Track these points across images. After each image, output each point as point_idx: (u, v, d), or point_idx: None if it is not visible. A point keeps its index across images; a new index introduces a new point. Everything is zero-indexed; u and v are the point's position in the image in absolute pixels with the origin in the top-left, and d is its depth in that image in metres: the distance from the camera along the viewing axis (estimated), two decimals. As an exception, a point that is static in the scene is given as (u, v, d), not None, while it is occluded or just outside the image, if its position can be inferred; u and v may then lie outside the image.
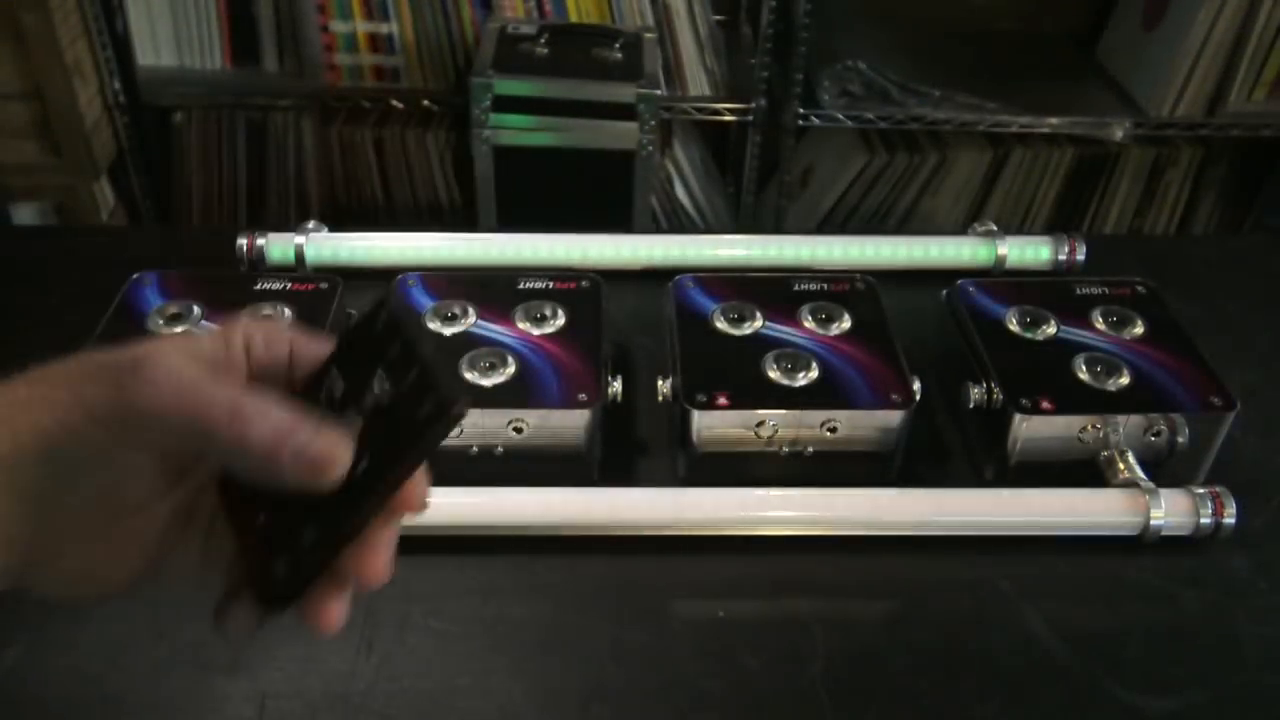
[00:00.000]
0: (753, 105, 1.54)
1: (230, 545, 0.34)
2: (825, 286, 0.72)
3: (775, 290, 0.72)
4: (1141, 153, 1.66)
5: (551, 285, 0.71)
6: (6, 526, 0.31)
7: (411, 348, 0.32)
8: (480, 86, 1.32)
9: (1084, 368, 0.65)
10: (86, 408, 0.30)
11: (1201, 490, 0.61)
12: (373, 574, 0.36)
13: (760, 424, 0.62)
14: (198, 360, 0.32)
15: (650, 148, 1.37)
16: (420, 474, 0.33)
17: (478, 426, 0.62)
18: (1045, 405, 0.62)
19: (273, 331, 0.34)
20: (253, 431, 0.30)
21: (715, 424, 0.63)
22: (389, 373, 0.32)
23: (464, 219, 1.61)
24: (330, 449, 0.31)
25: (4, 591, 0.32)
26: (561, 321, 0.68)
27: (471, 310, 0.68)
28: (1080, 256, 0.83)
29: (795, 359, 0.65)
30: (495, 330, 0.67)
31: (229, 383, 0.32)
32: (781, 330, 0.68)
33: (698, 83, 1.58)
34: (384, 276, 0.72)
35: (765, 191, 1.73)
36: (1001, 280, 0.76)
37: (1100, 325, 0.69)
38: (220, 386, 0.31)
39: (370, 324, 0.34)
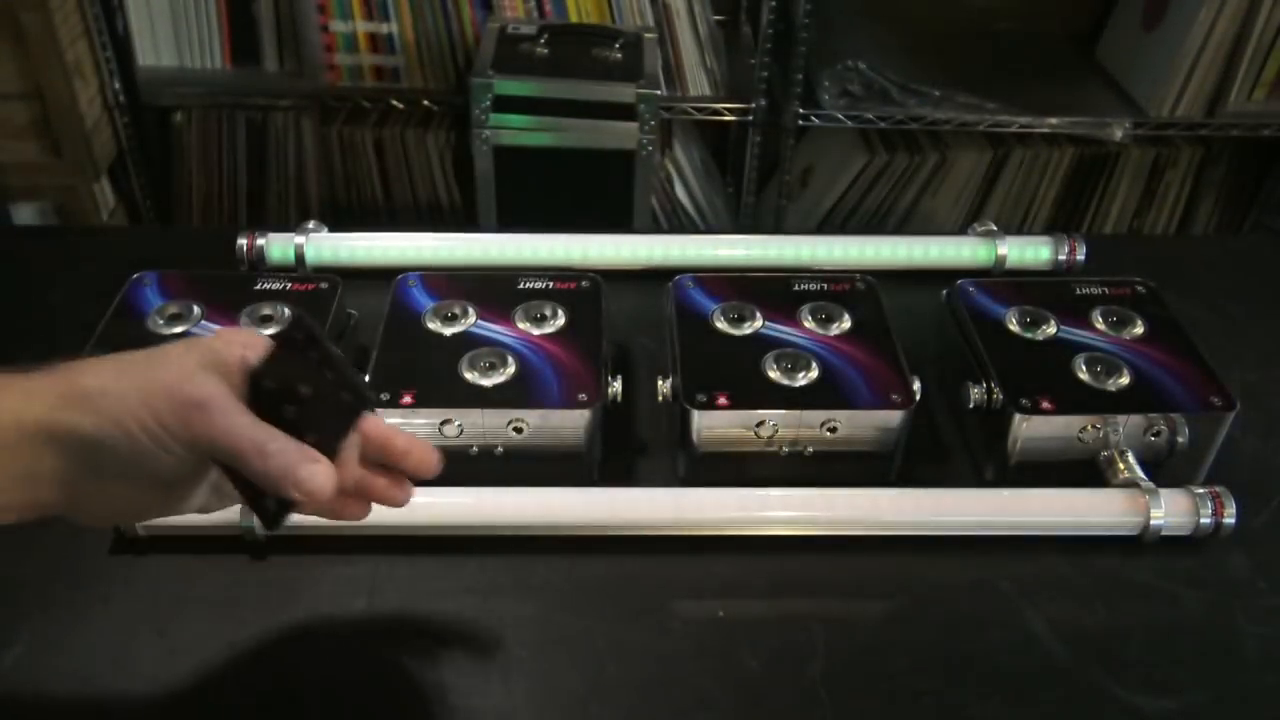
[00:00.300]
0: (753, 105, 1.54)
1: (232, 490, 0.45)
2: (825, 286, 0.72)
3: (775, 290, 0.72)
4: (1141, 153, 1.66)
5: (551, 285, 0.71)
6: (67, 486, 0.41)
7: (328, 354, 0.43)
8: (480, 86, 1.32)
9: (1084, 368, 0.65)
10: (159, 424, 0.40)
11: (1201, 490, 0.62)
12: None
13: (760, 424, 0.62)
14: (237, 400, 0.42)
15: (650, 148, 1.37)
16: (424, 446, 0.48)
17: (478, 426, 0.62)
18: (1045, 405, 0.62)
19: (257, 344, 0.44)
20: (271, 465, 0.41)
21: (715, 424, 0.63)
22: (314, 371, 0.43)
23: (464, 219, 1.61)
24: (323, 482, 0.42)
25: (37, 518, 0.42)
26: (561, 321, 0.68)
27: (471, 310, 0.68)
28: (1080, 256, 0.83)
29: (795, 359, 0.65)
30: (495, 330, 0.67)
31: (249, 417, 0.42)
32: (781, 330, 0.68)
33: (698, 83, 1.58)
34: (384, 276, 0.72)
35: (765, 191, 1.73)
36: (1001, 280, 0.76)
37: (1100, 325, 0.69)
38: (251, 428, 0.41)
39: (290, 336, 0.44)
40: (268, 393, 0.43)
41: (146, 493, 0.43)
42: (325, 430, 0.43)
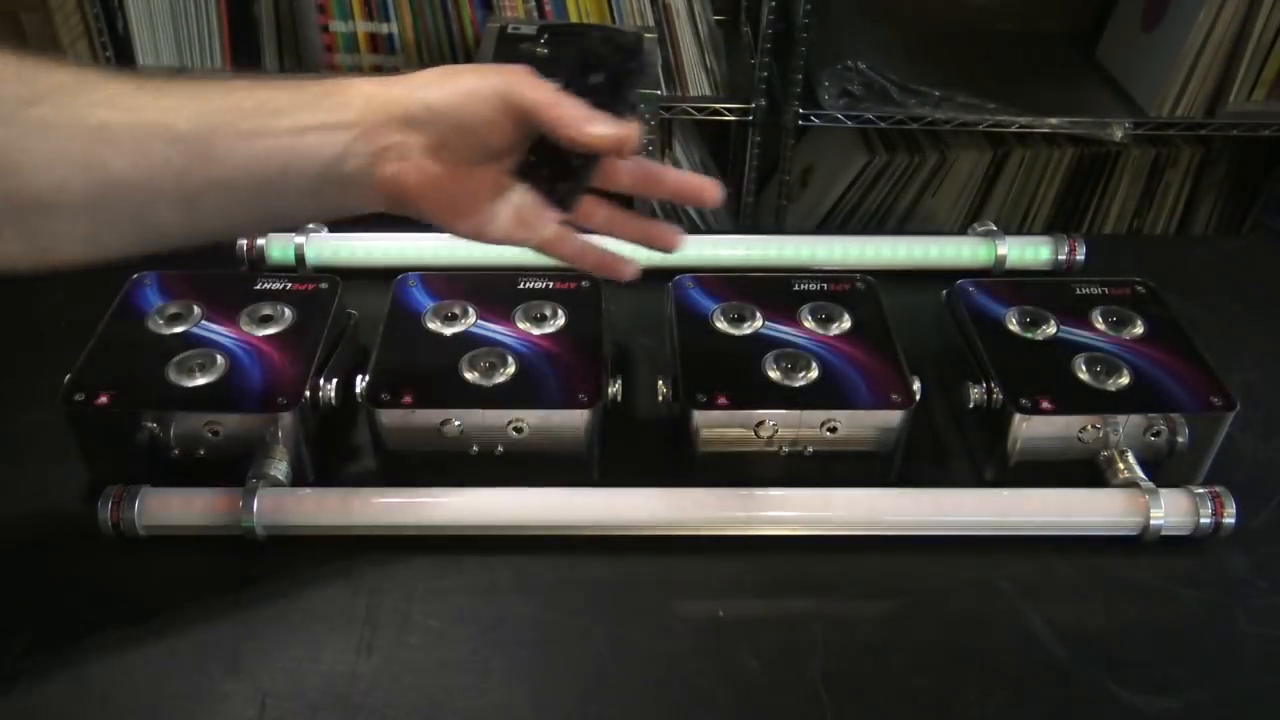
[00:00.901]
0: (753, 105, 1.54)
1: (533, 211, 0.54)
2: (825, 286, 0.72)
3: (775, 290, 0.72)
4: (1141, 153, 1.66)
5: (551, 285, 0.71)
6: (421, 164, 0.50)
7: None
8: (480, 86, 1.32)
9: (1084, 368, 0.65)
10: (491, 89, 0.49)
11: (1201, 490, 0.62)
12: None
13: (760, 424, 0.62)
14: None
15: (650, 148, 1.37)
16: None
17: (478, 426, 0.62)
18: (1045, 405, 0.62)
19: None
20: (564, 111, 0.49)
21: (715, 424, 0.63)
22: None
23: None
24: (611, 130, 0.50)
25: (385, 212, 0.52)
26: (561, 321, 0.68)
27: (471, 310, 0.68)
28: (1080, 256, 0.83)
29: (795, 359, 0.65)
30: (495, 330, 0.67)
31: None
32: (781, 330, 0.68)
33: (698, 83, 1.58)
34: (384, 276, 0.72)
35: (765, 191, 1.73)
36: (1001, 280, 0.76)
37: (1100, 325, 0.69)
38: (554, 92, 0.50)
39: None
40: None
41: (476, 175, 0.51)
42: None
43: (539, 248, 0.57)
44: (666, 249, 0.58)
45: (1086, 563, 0.61)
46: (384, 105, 0.49)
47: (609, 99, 0.51)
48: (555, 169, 0.52)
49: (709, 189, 0.56)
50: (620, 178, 0.56)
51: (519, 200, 0.53)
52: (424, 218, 0.52)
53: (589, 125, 0.49)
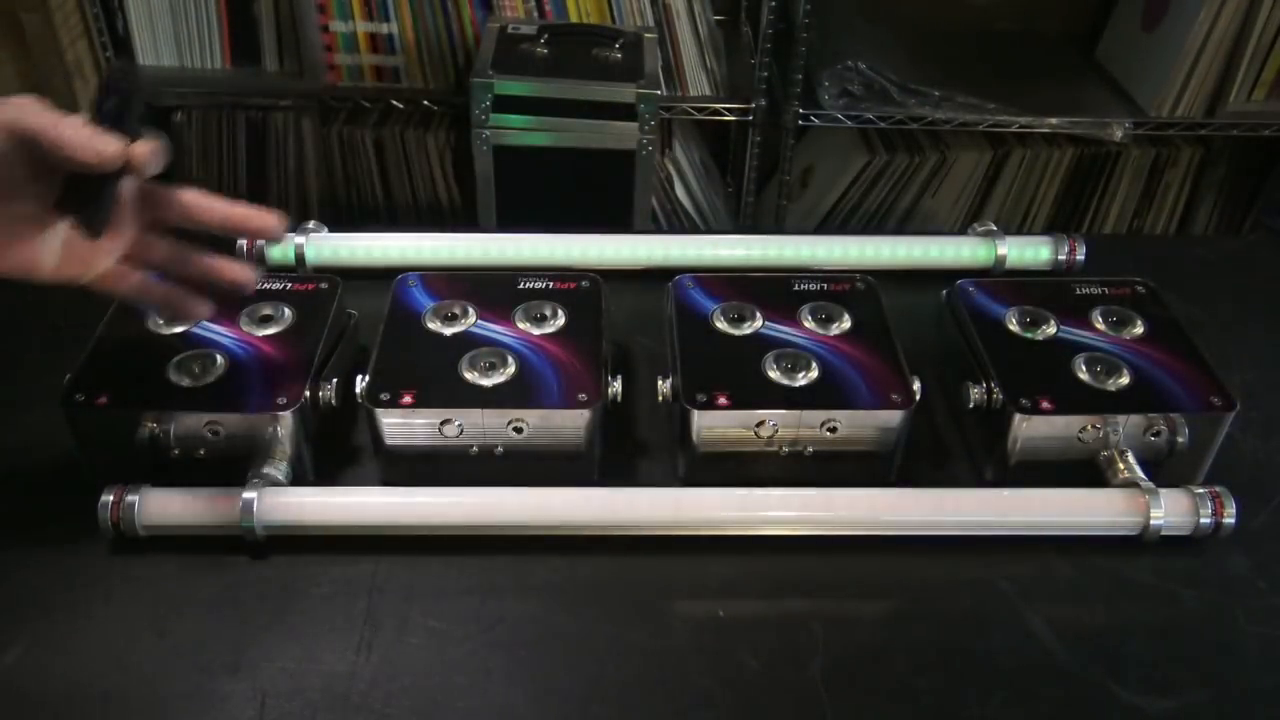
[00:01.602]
0: (753, 105, 1.54)
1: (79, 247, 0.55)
2: (825, 286, 0.72)
3: (775, 290, 0.72)
4: (1141, 153, 1.66)
5: (551, 285, 0.71)
6: None
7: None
8: (480, 86, 1.32)
9: (1084, 368, 0.65)
10: None
11: (1201, 490, 0.62)
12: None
13: (760, 424, 0.62)
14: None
15: (650, 148, 1.37)
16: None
17: (478, 426, 0.62)
18: (1045, 405, 0.62)
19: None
20: (65, 131, 0.49)
21: (715, 424, 0.63)
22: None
23: (464, 219, 1.61)
24: (115, 147, 0.50)
25: None
26: (561, 321, 0.68)
27: (471, 310, 0.68)
28: (1080, 256, 0.83)
29: (795, 359, 0.65)
30: (495, 330, 0.67)
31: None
32: (781, 330, 0.68)
33: (698, 83, 1.58)
34: (384, 276, 0.72)
35: (765, 191, 1.73)
36: (1001, 280, 0.76)
37: (1100, 325, 0.69)
38: (54, 115, 0.50)
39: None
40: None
41: (8, 212, 0.51)
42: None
43: (97, 285, 0.57)
44: (233, 285, 0.59)
45: (1086, 563, 0.61)
46: None
47: (119, 123, 0.51)
48: (82, 196, 0.52)
49: (268, 220, 0.57)
50: (169, 210, 0.56)
51: (67, 235, 0.54)
52: None
53: (90, 142, 0.49)
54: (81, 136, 0.49)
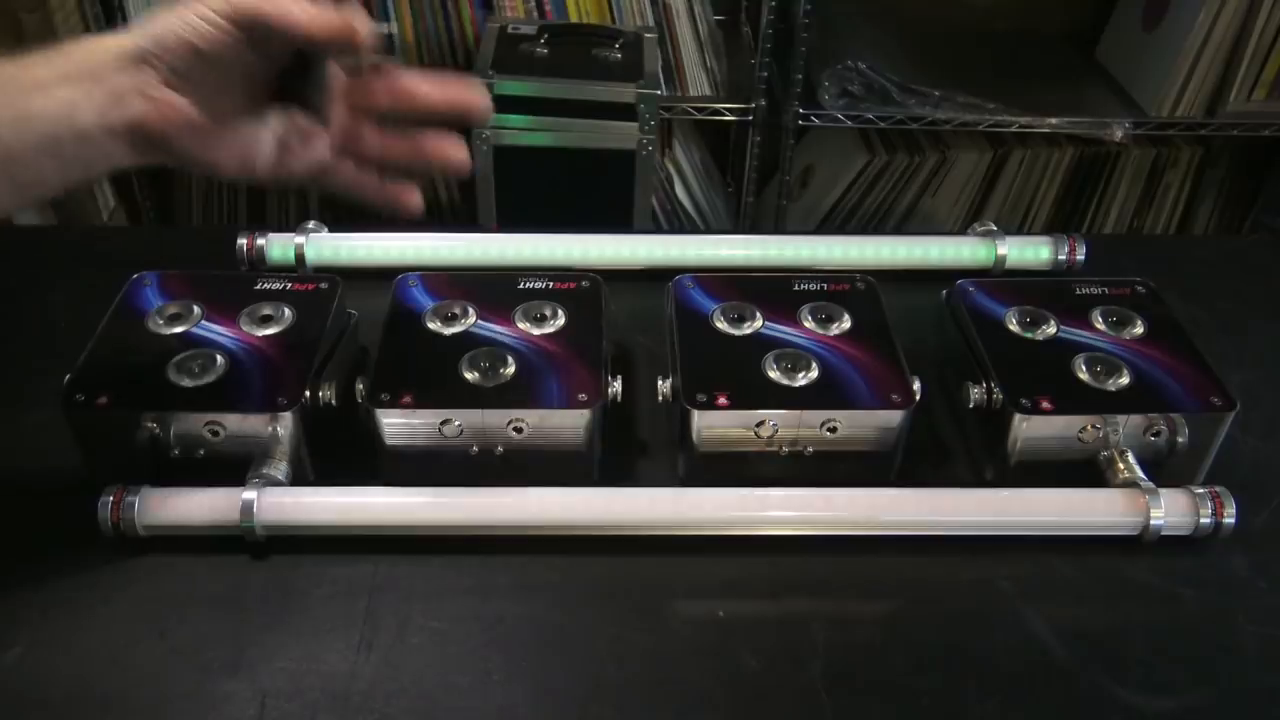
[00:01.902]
0: (753, 105, 1.54)
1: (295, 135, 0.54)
2: (825, 286, 0.72)
3: (775, 290, 0.72)
4: (1141, 153, 1.66)
5: (551, 285, 0.71)
6: (161, 94, 0.49)
7: None
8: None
9: (1084, 368, 0.65)
10: (218, 8, 0.47)
11: (1201, 490, 0.62)
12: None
13: (760, 424, 0.62)
14: None
15: (650, 148, 1.37)
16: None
17: (478, 426, 0.62)
18: (1045, 405, 0.62)
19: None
20: (293, 10, 0.47)
21: (715, 424, 0.63)
22: None
23: (464, 219, 1.61)
24: (334, 17, 0.48)
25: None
26: (561, 321, 0.68)
27: (471, 310, 0.68)
28: (1080, 256, 0.83)
29: (795, 359, 0.65)
30: (495, 330, 0.67)
31: None
32: (781, 330, 0.68)
33: (698, 83, 1.58)
34: (384, 276, 0.72)
35: (765, 191, 1.73)
36: (1001, 280, 0.76)
37: (1100, 325, 0.69)
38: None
39: None
40: None
41: (227, 103, 0.50)
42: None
43: (312, 178, 0.55)
44: (451, 167, 0.57)
45: (1086, 563, 0.61)
46: (109, 49, 0.48)
47: None
48: (300, 83, 0.51)
49: (477, 97, 0.55)
50: (377, 94, 0.54)
51: (279, 127, 0.53)
52: (183, 159, 0.51)
53: (315, 16, 0.48)
54: (309, 12, 0.47)
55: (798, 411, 0.62)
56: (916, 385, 0.63)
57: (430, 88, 0.54)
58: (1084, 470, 0.64)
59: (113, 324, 0.66)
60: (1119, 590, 0.60)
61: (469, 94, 0.54)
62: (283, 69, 0.51)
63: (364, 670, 0.54)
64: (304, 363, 0.63)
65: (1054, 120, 1.53)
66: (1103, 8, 1.70)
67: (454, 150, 0.56)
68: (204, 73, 0.49)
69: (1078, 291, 0.73)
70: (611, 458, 0.65)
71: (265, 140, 0.53)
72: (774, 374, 0.64)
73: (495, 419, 0.62)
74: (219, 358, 0.63)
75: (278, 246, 0.80)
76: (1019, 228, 1.71)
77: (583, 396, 0.62)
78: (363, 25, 0.49)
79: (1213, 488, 0.62)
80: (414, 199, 0.58)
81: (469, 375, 0.63)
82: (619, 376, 0.65)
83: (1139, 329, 0.69)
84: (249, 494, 0.58)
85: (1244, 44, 1.47)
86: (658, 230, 1.60)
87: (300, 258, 0.80)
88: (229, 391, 0.61)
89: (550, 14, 1.51)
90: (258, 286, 0.70)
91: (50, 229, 1.43)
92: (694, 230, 1.69)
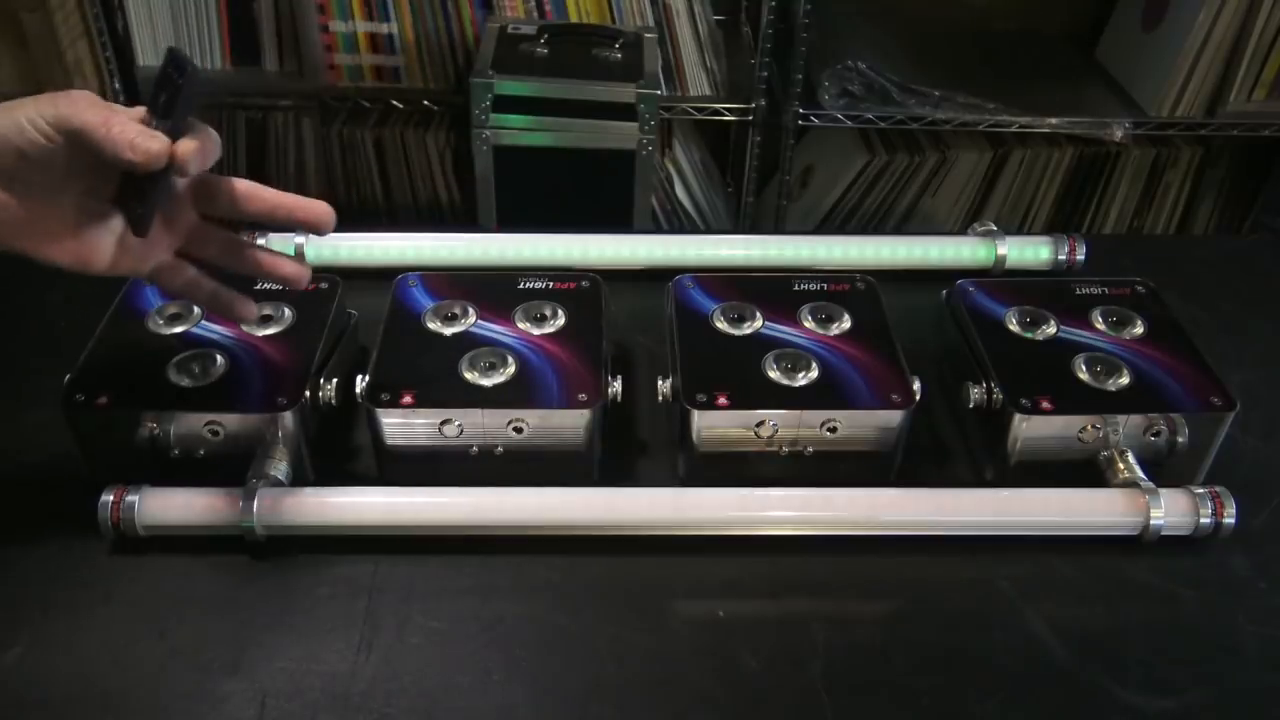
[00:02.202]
0: (753, 105, 1.54)
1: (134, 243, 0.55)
2: (825, 286, 0.72)
3: (775, 290, 0.72)
4: (1141, 153, 1.66)
5: (551, 285, 0.71)
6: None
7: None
8: (480, 86, 1.32)
9: (1084, 368, 0.65)
10: (46, 118, 0.49)
11: (1201, 490, 0.62)
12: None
13: (760, 424, 0.62)
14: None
15: (650, 148, 1.37)
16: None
17: (478, 426, 0.62)
18: (1045, 405, 0.62)
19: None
20: (114, 131, 0.49)
21: (715, 424, 0.63)
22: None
23: (464, 219, 1.61)
24: (159, 147, 0.50)
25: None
26: (561, 321, 0.68)
27: (471, 310, 0.68)
28: (1080, 256, 0.83)
29: (795, 359, 0.65)
30: (495, 330, 0.67)
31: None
32: (781, 330, 0.68)
33: (698, 83, 1.58)
34: (384, 276, 0.72)
35: (765, 191, 1.73)
36: (1001, 280, 0.76)
37: (1100, 325, 0.69)
38: (105, 111, 0.50)
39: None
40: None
41: (63, 205, 0.52)
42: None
43: (150, 279, 0.57)
44: (286, 281, 0.59)
45: (1086, 563, 0.61)
46: None
47: (169, 115, 0.51)
48: (134, 192, 0.52)
49: (319, 210, 0.57)
50: (221, 200, 0.56)
51: (119, 228, 0.54)
52: (18, 252, 0.52)
53: (135, 142, 0.49)
54: (127, 135, 0.49)
55: (798, 411, 0.62)
56: (916, 385, 0.63)
57: (265, 198, 0.57)
58: (1084, 470, 0.64)
59: (113, 324, 0.66)
60: (1119, 590, 0.60)
61: (311, 209, 0.57)
62: (123, 174, 0.52)
63: (364, 670, 0.54)
64: (304, 363, 0.63)
65: (1054, 120, 1.53)
66: (1103, 8, 1.70)
67: (288, 269, 0.59)
68: (30, 174, 0.50)
69: (1078, 291, 0.73)
70: (611, 458, 0.65)
71: (104, 239, 0.54)
72: (774, 374, 0.64)
73: (495, 419, 0.61)
74: (219, 358, 0.63)
75: (278, 246, 0.80)
76: (1019, 228, 1.71)
77: (583, 396, 0.62)
78: (186, 149, 0.50)
79: (1213, 488, 0.62)
80: (249, 310, 0.61)
81: (469, 375, 0.63)
82: (619, 376, 0.65)
83: (1139, 329, 0.69)
84: (249, 494, 0.58)
85: (1244, 44, 1.47)
86: (658, 230, 1.60)
87: (300, 257, 0.80)
88: (229, 391, 0.61)
89: (550, 14, 1.51)
90: (257, 286, 0.70)
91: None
92: (694, 230, 1.69)
